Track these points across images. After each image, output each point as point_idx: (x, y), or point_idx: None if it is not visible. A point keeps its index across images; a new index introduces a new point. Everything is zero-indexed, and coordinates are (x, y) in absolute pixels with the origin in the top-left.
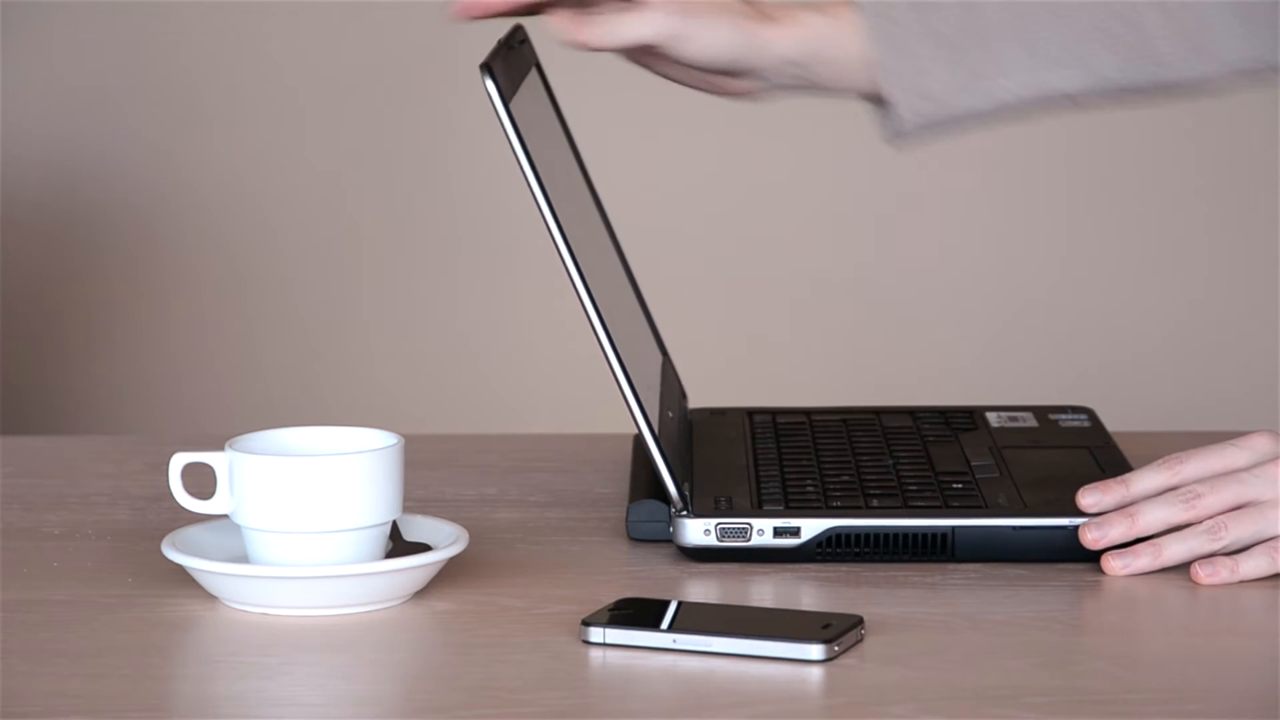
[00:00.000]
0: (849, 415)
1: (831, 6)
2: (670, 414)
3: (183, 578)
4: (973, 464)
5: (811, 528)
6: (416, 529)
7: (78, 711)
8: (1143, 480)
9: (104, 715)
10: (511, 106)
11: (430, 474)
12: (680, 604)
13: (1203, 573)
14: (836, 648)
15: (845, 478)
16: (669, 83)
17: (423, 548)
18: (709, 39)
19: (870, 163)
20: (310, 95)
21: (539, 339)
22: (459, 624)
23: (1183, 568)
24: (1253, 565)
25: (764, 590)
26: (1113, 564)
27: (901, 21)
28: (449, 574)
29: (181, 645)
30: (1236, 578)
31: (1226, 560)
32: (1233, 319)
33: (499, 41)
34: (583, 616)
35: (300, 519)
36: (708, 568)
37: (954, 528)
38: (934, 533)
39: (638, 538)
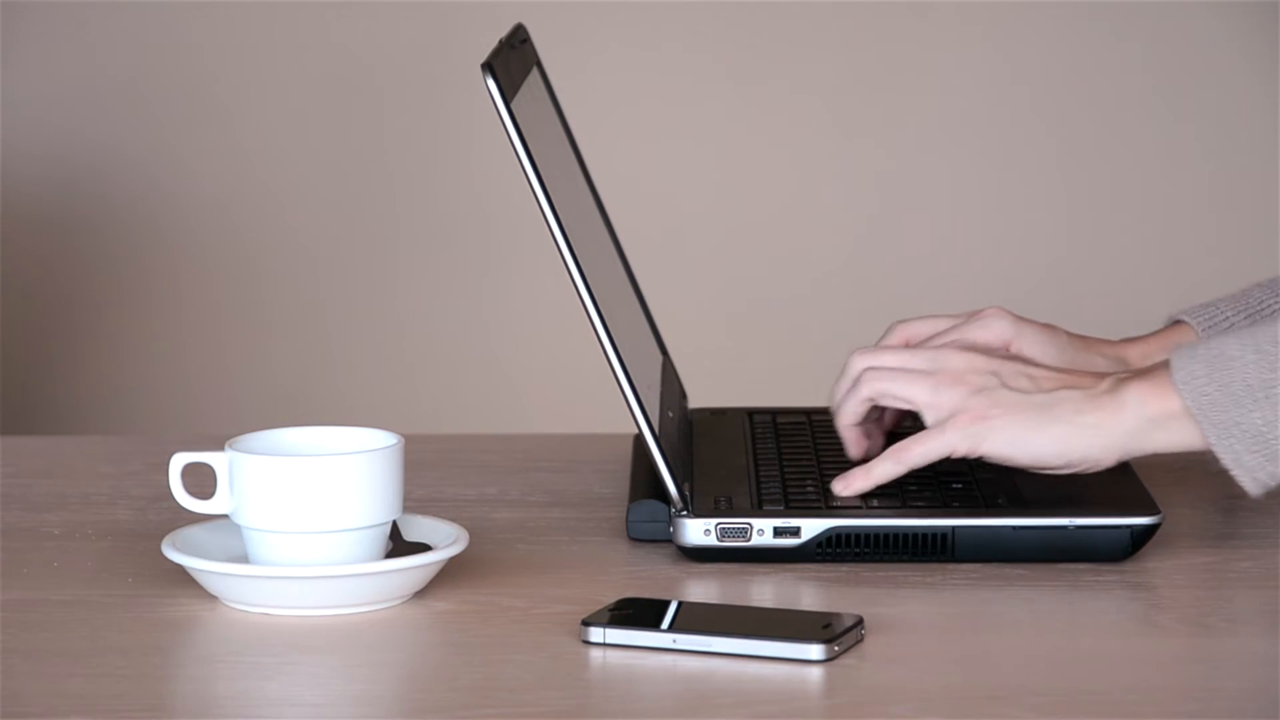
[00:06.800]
0: None
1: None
2: (670, 414)
3: (183, 578)
4: (972, 463)
5: (811, 528)
6: (416, 529)
7: (78, 711)
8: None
9: (104, 715)
10: (513, 106)
11: (430, 474)
12: (680, 604)
13: (838, 486)
14: (836, 648)
15: None
16: (669, 83)
17: (423, 548)
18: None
19: (871, 163)
20: (310, 94)
21: (539, 339)
22: (459, 624)
23: (1184, 570)
24: (882, 469)
25: (764, 590)
26: (834, 485)
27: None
28: (449, 574)
29: (181, 645)
30: (870, 483)
31: (859, 470)
32: None
33: (500, 41)
34: (583, 616)
35: (300, 519)
36: (708, 568)
37: (954, 528)
38: (934, 533)
39: (638, 538)
